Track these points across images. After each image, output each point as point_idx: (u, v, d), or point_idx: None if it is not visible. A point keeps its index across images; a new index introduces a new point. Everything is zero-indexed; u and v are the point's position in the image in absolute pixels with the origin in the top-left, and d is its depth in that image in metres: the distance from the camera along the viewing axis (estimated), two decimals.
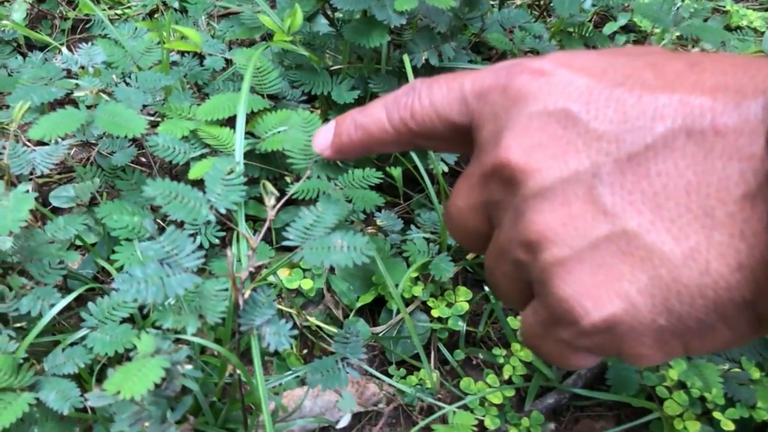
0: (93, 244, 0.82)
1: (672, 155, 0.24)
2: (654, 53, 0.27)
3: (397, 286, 0.77)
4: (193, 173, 0.74)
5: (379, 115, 0.31)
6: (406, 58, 0.86)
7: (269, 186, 0.63)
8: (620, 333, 0.25)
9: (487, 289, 0.81)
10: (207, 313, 0.62)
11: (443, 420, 0.73)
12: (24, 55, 1.14)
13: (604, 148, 0.25)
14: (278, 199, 0.63)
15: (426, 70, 0.92)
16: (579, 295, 0.25)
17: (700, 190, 0.23)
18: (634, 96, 0.25)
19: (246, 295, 0.63)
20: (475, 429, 0.71)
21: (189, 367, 0.58)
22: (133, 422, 0.58)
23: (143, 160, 1.07)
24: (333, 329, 0.81)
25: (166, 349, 0.57)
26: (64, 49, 1.22)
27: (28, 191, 0.67)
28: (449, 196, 0.31)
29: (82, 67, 0.85)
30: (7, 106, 1.12)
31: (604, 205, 0.25)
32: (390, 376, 0.78)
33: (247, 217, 0.86)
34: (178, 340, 0.68)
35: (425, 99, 0.30)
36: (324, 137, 0.35)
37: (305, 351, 0.82)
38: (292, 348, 0.82)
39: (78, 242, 0.82)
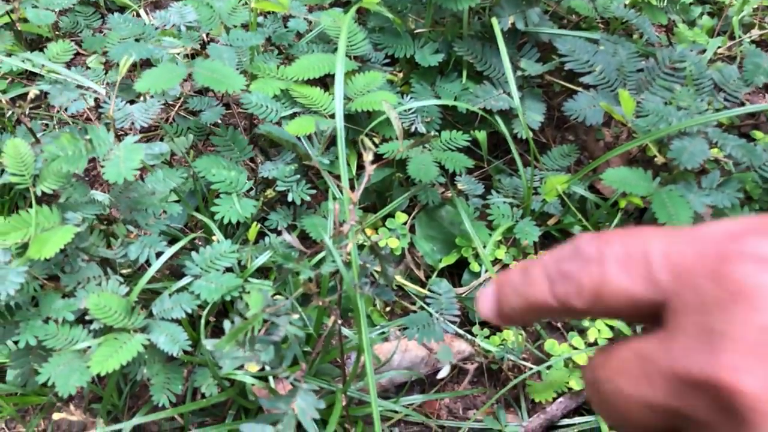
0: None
1: None
2: None
3: (484, 246, 0.78)
4: (291, 130, 0.75)
5: (541, 286, 0.25)
6: (494, 21, 0.85)
7: (367, 141, 0.64)
8: None
9: None
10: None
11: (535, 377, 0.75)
12: (104, 16, 1.16)
13: None
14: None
15: (511, 35, 0.92)
16: None
17: None
18: None
19: (348, 248, 0.65)
20: (567, 387, 0.72)
21: (295, 316, 0.60)
22: (239, 366, 0.61)
23: (218, 122, 1.09)
24: (416, 288, 0.82)
25: (270, 302, 0.59)
26: (141, 11, 1.24)
27: (136, 142, 0.69)
28: (604, 365, 0.24)
29: (175, 26, 0.87)
30: (87, 67, 1.14)
31: None
32: (474, 336, 0.79)
33: (333, 176, 0.87)
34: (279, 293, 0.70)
35: (595, 271, 0.23)
36: (487, 302, 0.28)
37: (387, 309, 0.84)
38: (375, 305, 0.84)
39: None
